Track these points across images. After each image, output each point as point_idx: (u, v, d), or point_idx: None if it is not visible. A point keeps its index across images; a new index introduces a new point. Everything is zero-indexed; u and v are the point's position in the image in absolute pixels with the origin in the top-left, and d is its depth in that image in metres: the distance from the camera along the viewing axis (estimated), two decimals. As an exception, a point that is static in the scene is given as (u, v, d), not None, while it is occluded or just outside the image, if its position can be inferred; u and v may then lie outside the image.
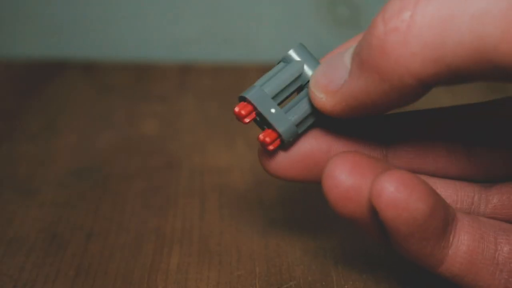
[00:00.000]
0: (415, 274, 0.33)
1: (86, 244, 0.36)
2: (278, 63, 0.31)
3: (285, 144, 0.30)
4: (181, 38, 0.62)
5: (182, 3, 0.61)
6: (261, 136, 0.30)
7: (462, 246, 0.29)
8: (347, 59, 0.28)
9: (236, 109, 0.30)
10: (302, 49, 0.31)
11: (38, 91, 0.55)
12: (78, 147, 0.46)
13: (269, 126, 0.30)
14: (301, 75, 0.30)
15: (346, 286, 0.33)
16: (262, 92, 0.30)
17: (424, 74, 0.25)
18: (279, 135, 0.30)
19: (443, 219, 0.28)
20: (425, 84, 0.26)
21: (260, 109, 0.30)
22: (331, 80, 0.29)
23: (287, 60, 0.31)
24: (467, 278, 0.29)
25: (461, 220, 0.30)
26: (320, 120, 0.31)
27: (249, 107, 0.30)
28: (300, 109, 0.30)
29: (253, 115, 0.30)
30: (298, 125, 0.30)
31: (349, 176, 0.28)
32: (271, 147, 0.30)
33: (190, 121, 0.50)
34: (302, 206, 0.40)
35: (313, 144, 0.31)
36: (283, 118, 0.30)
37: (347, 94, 0.28)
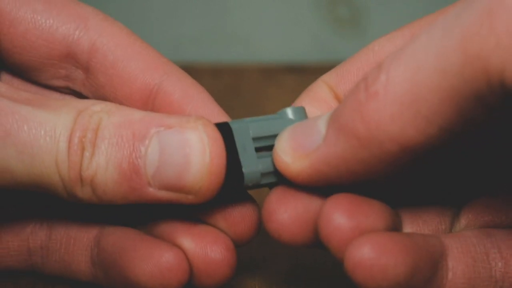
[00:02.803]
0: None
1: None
2: (275, 114, 0.31)
3: (243, 187, 0.30)
4: (181, 38, 0.62)
5: (182, 3, 0.61)
6: None
7: (457, 278, 0.29)
8: (321, 125, 0.27)
9: None
10: (300, 111, 0.30)
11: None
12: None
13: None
14: None
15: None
16: (246, 128, 0.30)
17: (404, 137, 0.25)
18: (242, 174, 0.29)
19: (429, 265, 0.28)
20: (405, 149, 0.25)
21: (236, 141, 0.29)
22: (301, 144, 0.28)
23: (282, 114, 0.30)
24: None
25: (450, 248, 0.29)
26: (284, 181, 0.29)
27: None
28: (270, 163, 0.30)
29: None
30: (263, 175, 0.29)
31: (349, 219, 0.27)
32: None
33: (190, 121, 0.50)
34: (302, 206, 0.40)
35: (308, 209, 0.29)
36: (253, 161, 0.29)
37: (320, 159, 0.27)
